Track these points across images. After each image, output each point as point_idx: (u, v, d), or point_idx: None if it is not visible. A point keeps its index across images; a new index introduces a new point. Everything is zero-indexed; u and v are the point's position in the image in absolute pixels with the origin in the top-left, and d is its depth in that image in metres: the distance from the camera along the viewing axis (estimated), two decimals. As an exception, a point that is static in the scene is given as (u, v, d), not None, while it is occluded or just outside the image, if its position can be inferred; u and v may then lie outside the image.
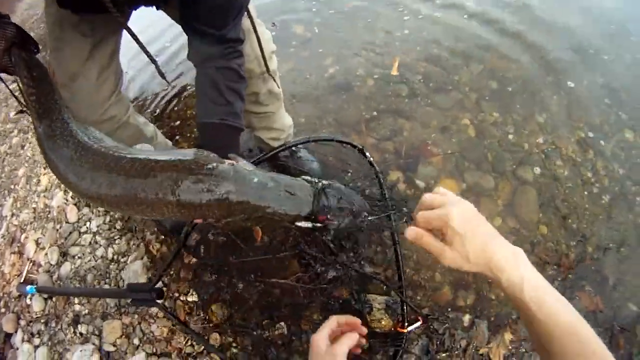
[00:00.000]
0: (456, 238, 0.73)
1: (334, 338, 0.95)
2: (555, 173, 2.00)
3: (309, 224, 0.99)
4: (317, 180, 1.04)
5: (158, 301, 1.44)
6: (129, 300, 1.76)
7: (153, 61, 1.25)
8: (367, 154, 1.61)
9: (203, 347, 1.65)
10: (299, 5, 3.07)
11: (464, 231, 0.72)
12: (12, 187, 2.67)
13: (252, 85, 1.52)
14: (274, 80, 1.60)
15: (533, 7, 2.89)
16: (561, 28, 2.75)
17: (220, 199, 0.91)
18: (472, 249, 0.72)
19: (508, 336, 1.58)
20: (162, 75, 1.29)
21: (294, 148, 1.87)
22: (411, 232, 0.79)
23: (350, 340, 0.92)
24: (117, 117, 1.55)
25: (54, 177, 2.40)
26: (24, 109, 1.12)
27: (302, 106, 2.29)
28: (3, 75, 1.12)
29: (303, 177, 1.05)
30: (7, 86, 1.25)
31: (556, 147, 2.10)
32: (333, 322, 0.99)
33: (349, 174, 1.84)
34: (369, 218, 1.04)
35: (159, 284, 1.65)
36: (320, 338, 0.92)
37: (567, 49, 2.61)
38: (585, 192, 1.96)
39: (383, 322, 1.51)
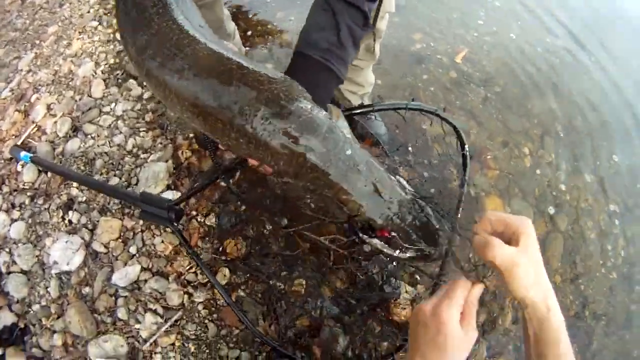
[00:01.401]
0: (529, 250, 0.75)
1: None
2: (584, 233, 2.06)
3: (361, 234, 0.86)
4: (409, 189, 0.88)
5: (175, 223, 1.30)
6: (137, 211, 1.58)
7: None
8: (466, 146, 1.42)
9: (208, 279, 1.49)
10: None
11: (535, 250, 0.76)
12: (37, 42, 2.47)
13: None
14: (374, 39, 1.51)
15: None
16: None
17: (296, 152, 0.76)
18: (537, 271, 0.75)
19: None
20: None
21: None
22: (479, 241, 0.77)
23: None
24: None
25: (89, 43, 2.29)
26: None
27: (381, 70, 2.22)
28: None
29: (399, 178, 0.90)
30: None
31: (592, 210, 2.15)
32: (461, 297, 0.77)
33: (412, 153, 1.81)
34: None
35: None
36: (452, 316, 0.73)
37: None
38: (601, 262, 2.02)
39: (403, 313, 1.50)
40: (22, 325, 1.55)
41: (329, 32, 1.01)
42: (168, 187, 1.73)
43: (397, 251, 0.85)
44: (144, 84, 2.07)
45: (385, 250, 0.85)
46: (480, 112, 2.20)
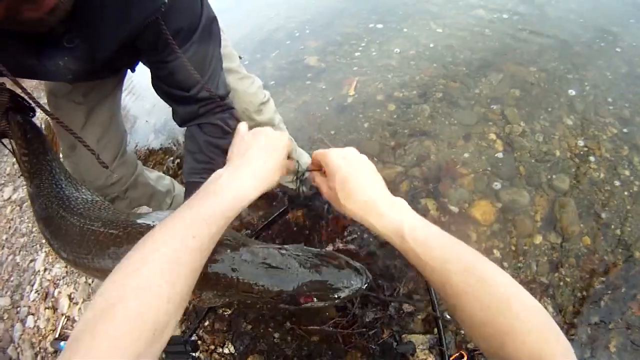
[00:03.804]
0: (330, 173, 0.78)
1: None
2: (591, 176, 1.96)
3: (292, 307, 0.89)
4: (308, 249, 0.93)
5: (193, 354, 1.38)
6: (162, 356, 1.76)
7: None
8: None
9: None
10: (308, 36, 3.11)
11: (339, 167, 0.76)
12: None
13: None
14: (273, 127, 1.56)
15: (540, 5, 2.85)
16: (573, 20, 2.70)
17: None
18: (342, 191, 0.75)
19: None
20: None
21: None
22: (313, 175, 0.88)
23: None
24: (124, 179, 1.57)
25: None
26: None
27: (324, 138, 2.31)
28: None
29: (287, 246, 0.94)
30: (5, 146, 1.27)
31: (589, 149, 2.05)
32: None
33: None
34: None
35: (193, 337, 1.64)
36: None
37: (583, 42, 2.57)
38: (625, 193, 1.90)
39: (427, 362, 1.50)
40: None
41: (196, 155, 1.15)
42: (184, 333, 1.86)
43: (329, 301, 0.88)
44: None
45: (318, 305, 0.88)
46: (430, 127, 2.20)
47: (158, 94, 1.21)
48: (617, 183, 1.93)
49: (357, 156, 0.80)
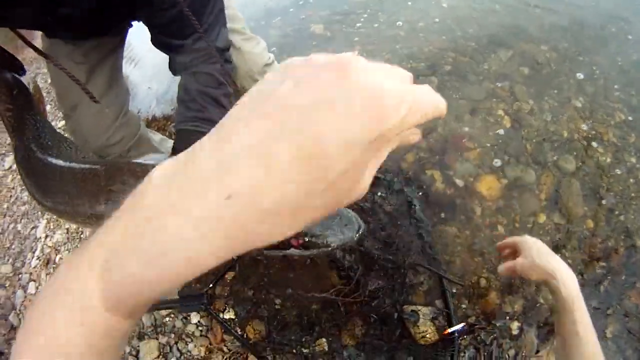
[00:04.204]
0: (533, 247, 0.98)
1: None
2: (597, 161, 1.93)
3: (279, 251, 0.89)
4: None
5: (209, 307, 1.43)
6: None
7: None
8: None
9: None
10: (313, 5, 3.00)
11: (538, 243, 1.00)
12: None
13: None
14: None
15: None
16: (587, 1, 2.65)
17: None
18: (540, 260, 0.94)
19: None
20: None
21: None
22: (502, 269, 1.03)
23: None
24: (126, 139, 1.54)
25: None
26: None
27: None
28: None
29: None
30: None
31: (596, 133, 2.02)
32: None
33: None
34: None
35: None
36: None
37: (597, 25, 2.52)
38: (631, 180, 1.88)
39: (429, 335, 1.46)
40: None
41: (188, 103, 1.14)
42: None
43: (316, 250, 0.88)
44: None
45: (305, 254, 0.88)
46: (438, 99, 2.14)
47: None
48: (622, 169, 1.90)
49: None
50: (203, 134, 0.85)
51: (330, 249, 0.85)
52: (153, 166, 0.74)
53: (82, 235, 2.33)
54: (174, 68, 1.19)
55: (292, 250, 0.85)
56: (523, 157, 1.90)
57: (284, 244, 0.84)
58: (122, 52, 1.51)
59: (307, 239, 0.82)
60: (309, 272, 1.67)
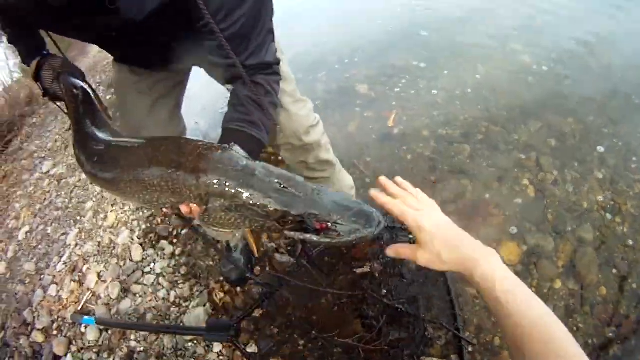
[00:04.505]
0: (427, 239, 0.80)
1: None
2: (614, 230, 2.11)
3: (300, 234, 0.87)
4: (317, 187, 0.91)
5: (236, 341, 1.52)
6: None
7: None
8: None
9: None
10: (358, 64, 3.33)
11: (435, 232, 0.80)
12: (79, 218, 2.82)
13: (297, 154, 1.68)
14: (318, 150, 1.70)
15: (583, 56, 3.00)
16: (614, 74, 2.89)
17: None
18: (445, 249, 0.78)
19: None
20: None
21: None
22: (390, 250, 0.89)
23: None
24: None
25: (122, 214, 2.66)
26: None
27: (367, 165, 2.51)
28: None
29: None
30: (60, 107, 1.44)
31: (615, 203, 2.20)
32: None
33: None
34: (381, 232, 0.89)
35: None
36: None
37: (622, 96, 2.74)
38: (648, 247, 2.05)
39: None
40: None
41: (238, 107, 1.21)
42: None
43: (334, 239, 0.86)
44: (174, 241, 2.44)
45: (322, 241, 0.86)
46: (469, 166, 2.39)
47: (209, 73, 1.40)
48: (638, 239, 2.08)
49: (443, 218, 0.86)
50: (245, 134, 1.17)
51: (347, 240, 0.84)
52: (188, 141, 0.96)
53: (113, 251, 2.44)
54: (226, 79, 1.25)
55: (310, 236, 0.86)
56: (543, 226, 2.11)
57: (308, 229, 0.86)
58: (184, 90, 1.68)
59: (329, 225, 0.84)
60: (334, 317, 1.86)
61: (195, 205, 0.95)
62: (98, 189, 2.91)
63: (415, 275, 1.96)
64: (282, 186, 0.86)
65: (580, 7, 3.98)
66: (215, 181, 0.87)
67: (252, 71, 1.20)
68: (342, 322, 1.84)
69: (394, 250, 0.88)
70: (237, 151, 0.94)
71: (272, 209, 0.85)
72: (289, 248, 2.19)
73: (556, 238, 2.08)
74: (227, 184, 0.86)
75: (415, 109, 2.81)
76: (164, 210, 1.04)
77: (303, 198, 0.85)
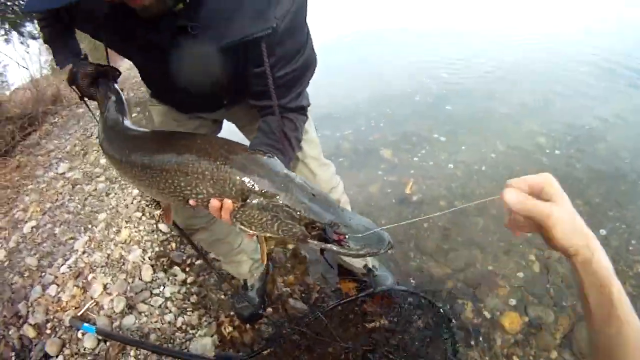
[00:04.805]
0: (564, 200, 0.75)
1: None
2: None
3: (321, 243, 0.95)
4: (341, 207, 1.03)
5: None
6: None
7: None
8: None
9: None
10: (383, 128, 3.67)
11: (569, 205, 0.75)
12: (90, 226, 2.87)
13: None
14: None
15: (596, 139, 3.33)
16: (622, 159, 3.14)
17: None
18: (578, 216, 0.75)
19: None
20: None
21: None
22: (511, 195, 0.76)
23: None
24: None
25: (135, 232, 2.72)
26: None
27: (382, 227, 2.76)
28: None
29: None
30: (87, 105, 1.59)
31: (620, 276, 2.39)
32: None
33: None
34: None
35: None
36: None
37: (630, 179, 2.97)
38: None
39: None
40: None
41: (269, 134, 1.33)
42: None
43: (350, 250, 0.95)
44: (186, 269, 2.52)
45: (340, 251, 0.94)
46: (481, 238, 2.64)
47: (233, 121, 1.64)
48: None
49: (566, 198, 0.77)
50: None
51: (360, 252, 0.95)
52: (239, 144, 1.16)
53: (122, 267, 2.48)
54: (263, 114, 1.37)
55: (331, 245, 0.94)
56: (545, 299, 2.33)
57: (327, 239, 0.94)
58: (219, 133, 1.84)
59: (347, 237, 0.93)
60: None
61: (230, 200, 1.01)
62: (114, 202, 3.02)
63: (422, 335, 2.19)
64: (314, 196, 0.97)
65: (600, 86, 4.27)
66: (259, 180, 0.97)
67: (287, 111, 1.34)
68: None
69: (521, 201, 0.74)
70: (279, 160, 1.07)
71: (304, 214, 0.94)
72: (303, 295, 2.39)
73: (556, 311, 2.28)
74: (270, 185, 0.97)
75: (434, 179, 3.12)
76: (190, 201, 1.07)
77: (331, 210, 0.96)
